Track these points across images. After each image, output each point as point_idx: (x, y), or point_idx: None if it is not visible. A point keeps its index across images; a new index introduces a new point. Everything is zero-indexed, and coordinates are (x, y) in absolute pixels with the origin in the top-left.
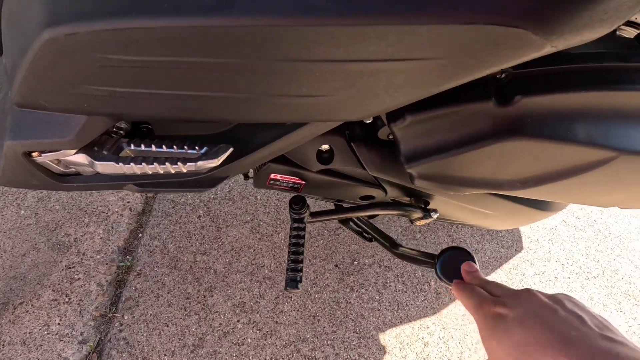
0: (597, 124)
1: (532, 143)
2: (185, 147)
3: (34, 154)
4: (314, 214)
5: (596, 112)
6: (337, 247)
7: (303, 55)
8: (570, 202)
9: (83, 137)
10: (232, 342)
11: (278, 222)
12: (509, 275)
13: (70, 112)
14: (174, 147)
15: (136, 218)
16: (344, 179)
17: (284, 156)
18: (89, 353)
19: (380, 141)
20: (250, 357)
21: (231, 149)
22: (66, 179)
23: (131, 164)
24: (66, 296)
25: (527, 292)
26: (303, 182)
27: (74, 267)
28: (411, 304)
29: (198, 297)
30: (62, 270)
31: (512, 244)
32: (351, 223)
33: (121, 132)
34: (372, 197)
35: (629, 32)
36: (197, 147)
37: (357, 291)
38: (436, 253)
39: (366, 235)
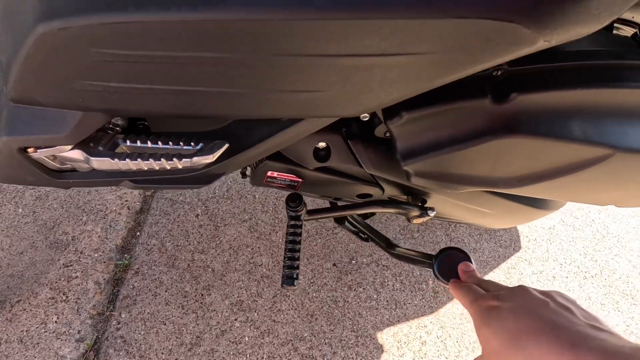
0: (593, 122)
1: (528, 140)
2: (181, 143)
3: (29, 149)
4: (310, 212)
5: (592, 109)
6: (335, 246)
7: (296, 50)
8: (567, 200)
9: (79, 133)
10: (230, 341)
11: (276, 221)
12: (507, 274)
13: (65, 108)
14: (170, 143)
15: (134, 216)
16: (341, 177)
17: (281, 154)
18: (86, 351)
19: (377, 139)
20: (248, 356)
21: (226, 145)
22: (62, 175)
23: (127, 160)
24: (64, 294)
25: (521, 287)
26: (300, 179)
27: (71, 265)
28: (409, 303)
29: (196, 295)
30: (60, 268)
31: (510, 243)
32: (347, 223)
33: (117, 128)
34: (369, 195)
35: (627, 31)
36: (192, 144)
37: (354, 290)
38: (433, 253)
39: (362, 235)
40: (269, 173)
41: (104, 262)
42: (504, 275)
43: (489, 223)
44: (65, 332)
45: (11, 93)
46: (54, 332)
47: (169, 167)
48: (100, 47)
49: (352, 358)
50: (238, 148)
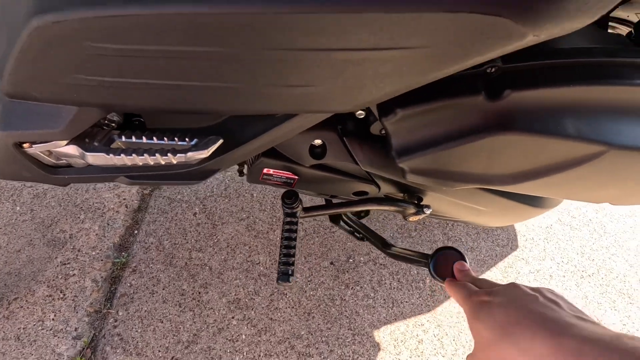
0: (587, 119)
1: (522, 137)
2: (176, 138)
3: (25, 145)
4: (306, 209)
5: (586, 106)
6: (332, 245)
7: (289, 44)
8: (562, 197)
9: (74, 128)
10: (227, 339)
11: (274, 220)
12: (504, 273)
13: (60, 103)
14: (165, 138)
15: (132, 215)
16: (337, 174)
17: (277, 151)
18: (83, 349)
19: (372, 136)
20: (245, 354)
21: (221, 141)
22: (57, 171)
23: (122, 155)
24: (61, 292)
25: (512, 284)
26: (296, 177)
27: (69, 263)
28: (406, 302)
29: (193, 293)
30: (57, 266)
31: (507, 242)
32: (342, 222)
33: (113, 124)
34: (365, 193)
35: (622, 30)
36: (187, 139)
37: (352, 288)
38: (428, 252)
39: (357, 235)
40: (265, 170)
41: (102, 260)
42: (501, 274)
43: (485, 221)
44: (62, 329)
45: (6, 88)
46: (51, 330)
47: (163, 163)
48: (94, 41)
49: (349, 356)
50: (233, 144)
